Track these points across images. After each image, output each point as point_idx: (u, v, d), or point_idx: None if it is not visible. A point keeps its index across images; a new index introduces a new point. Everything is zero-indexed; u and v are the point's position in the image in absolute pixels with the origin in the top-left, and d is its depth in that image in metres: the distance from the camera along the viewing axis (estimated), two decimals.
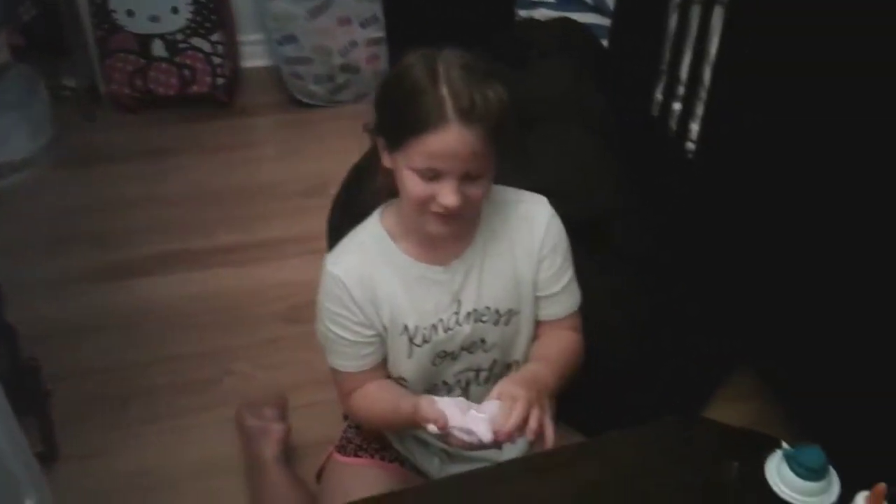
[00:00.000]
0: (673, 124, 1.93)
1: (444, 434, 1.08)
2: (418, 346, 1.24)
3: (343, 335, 1.22)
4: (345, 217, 1.83)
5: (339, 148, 2.52)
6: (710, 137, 1.80)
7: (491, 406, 1.07)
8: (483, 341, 1.27)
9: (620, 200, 1.68)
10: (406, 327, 1.23)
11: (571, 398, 1.44)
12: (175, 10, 2.73)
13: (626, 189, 1.72)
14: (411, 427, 1.19)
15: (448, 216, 1.11)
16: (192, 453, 1.76)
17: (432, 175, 1.07)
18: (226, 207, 2.50)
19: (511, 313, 1.26)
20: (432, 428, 1.07)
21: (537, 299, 1.28)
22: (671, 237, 1.78)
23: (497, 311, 1.25)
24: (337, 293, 1.20)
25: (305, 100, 2.95)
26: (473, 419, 1.06)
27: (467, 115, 1.04)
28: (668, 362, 1.68)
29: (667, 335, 1.70)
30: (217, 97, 2.92)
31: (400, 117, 1.08)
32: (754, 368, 1.85)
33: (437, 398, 1.11)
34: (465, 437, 1.06)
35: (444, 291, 1.23)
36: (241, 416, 1.76)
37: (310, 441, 1.70)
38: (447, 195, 1.07)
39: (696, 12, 1.84)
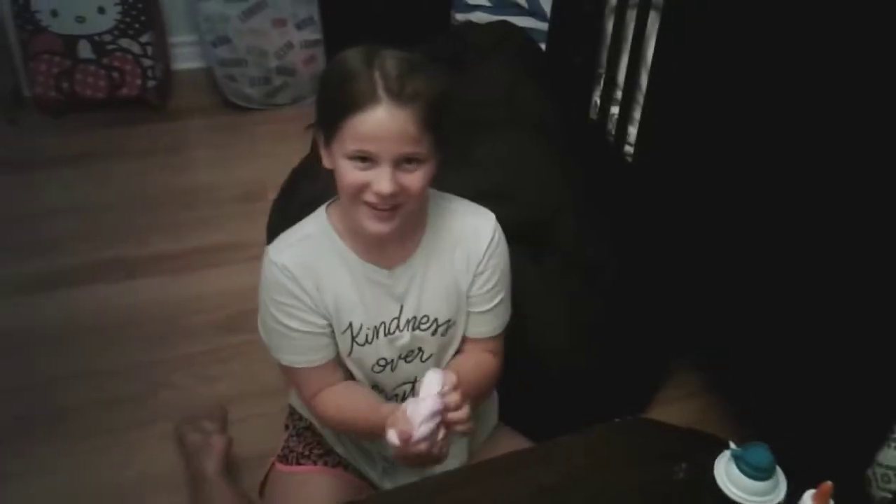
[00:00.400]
0: (612, 128, 1.96)
1: (404, 448, 1.06)
2: (360, 345, 1.23)
3: (295, 326, 1.20)
4: (284, 222, 1.79)
5: (276, 151, 2.51)
6: (647, 141, 1.82)
7: (430, 375, 1.06)
8: (420, 350, 1.26)
9: (564, 202, 1.69)
10: (350, 325, 1.21)
11: (517, 401, 1.45)
12: (102, 11, 2.64)
13: (570, 190, 1.73)
14: (379, 434, 1.15)
15: (384, 211, 1.09)
16: (131, 469, 1.70)
17: (365, 160, 1.06)
18: (158, 213, 2.43)
19: (449, 324, 1.26)
20: (392, 437, 1.05)
21: (467, 314, 1.28)
22: (615, 238, 1.80)
23: (436, 321, 1.25)
24: (283, 282, 1.18)
25: (240, 102, 2.90)
26: (426, 402, 1.04)
27: (397, 95, 1.04)
28: (613, 363, 1.69)
29: (612, 336, 1.71)
30: (148, 100, 2.83)
31: (333, 103, 1.07)
32: (700, 366, 1.88)
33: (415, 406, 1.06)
34: (429, 427, 1.04)
35: (389, 294, 1.22)
36: (181, 430, 1.71)
37: (252, 454, 1.66)
38: (382, 181, 1.05)
39: (632, 17, 1.86)
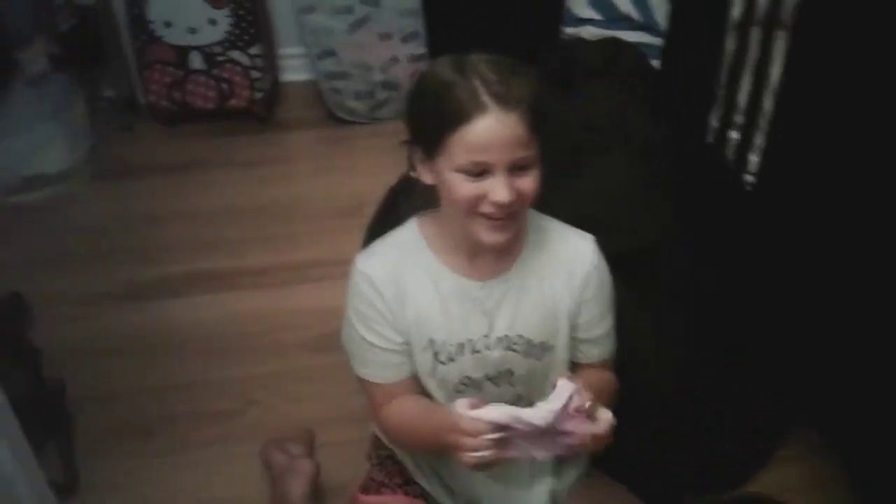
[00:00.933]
0: (730, 154, 1.81)
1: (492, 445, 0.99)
2: (443, 363, 1.17)
3: (371, 340, 1.16)
4: None
5: (377, 166, 2.46)
6: (772, 170, 1.67)
7: (561, 386, 0.99)
8: (510, 373, 1.20)
9: (670, 233, 1.57)
10: (432, 341, 1.16)
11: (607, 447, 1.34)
12: (213, 22, 2.68)
13: (677, 221, 1.60)
14: (443, 447, 1.08)
15: (501, 219, 1.05)
16: (216, 489, 1.68)
17: (480, 171, 1.02)
18: (258, 226, 2.43)
19: (544, 347, 1.19)
20: (461, 404, 1.01)
21: (575, 341, 1.22)
22: (725, 274, 1.66)
23: (530, 342, 1.18)
24: (365, 291, 1.15)
25: (344, 116, 2.88)
26: (527, 412, 0.98)
27: (504, 98, 1.00)
28: (719, 418, 1.55)
29: (714, 384, 1.57)
30: (255, 111, 2.85)
31: (434, 117, 1.03)
32: (811, 426, 1.70)
33: (478, 409, 1.01)
34: (521, 426, 0.97)
35: (478, 310, 1.16)
36: (267, 451, 1.68)
37: (336, 482, 1.61)
38: (498, 190, 1.02)
39: (756, 35, 1.72)
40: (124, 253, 2.32)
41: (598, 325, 1.22)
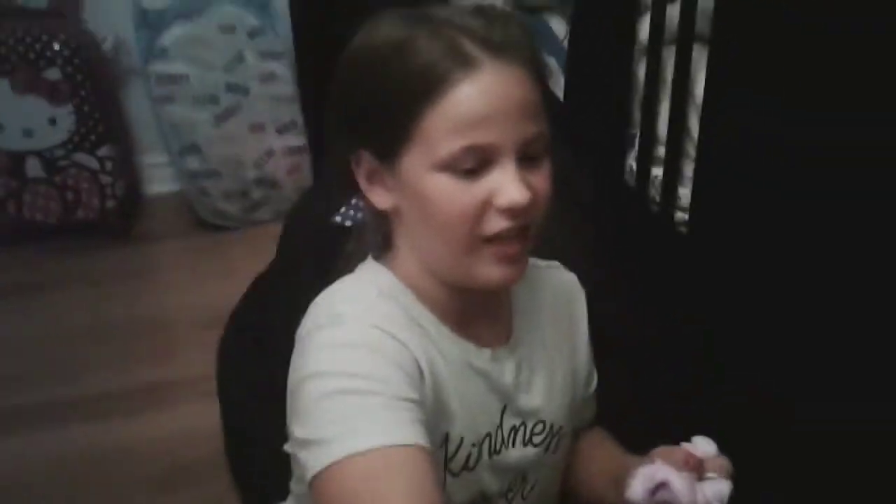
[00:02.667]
0: (655, 194, 1.52)
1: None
2: (454, 473, 0.76)
3: (374, 389, 0.67)
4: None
5: (254, 271, 2.12)
6: (706, 202, 1.38)
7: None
8: (524, 480, 0.83)
9: (595, 276, 1.25)
10: (447, 437, 0.74)
11: None
12: (53, 122, 2.32)
13: (602, 262, 1.30)
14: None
15: (512, 242, 0.71)
16: None
17: (477, 163, 0.68)
18: (102, 347, 2.01)
19: (562, 433, 0.85)
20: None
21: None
22: (658, 321, 1.35)
23: (551, 429, 0.84)
24: (379, 339, 0.70)
25: (216, 221, 2.52)
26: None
27: (500, 46, 0.69)
28: None
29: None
30: (109, 223, 2.46)
31: (391, 94, 0.69)
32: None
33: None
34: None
35: (493, 390, 0.79)
36: None
37: None
38: (508, 188, 0.68)
39: (669, 54, 1.47)
40: None
41: (594, 375, 0.93)
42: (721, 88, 1.32)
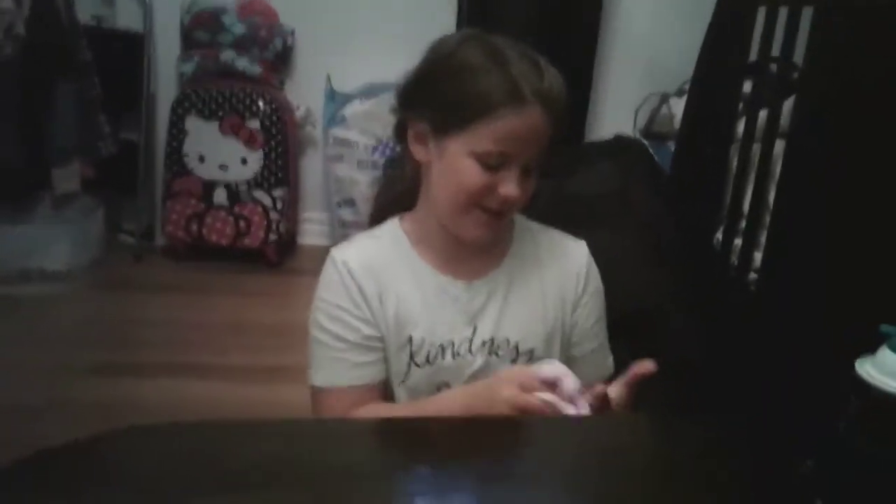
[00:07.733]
0: (735, 259, 1.79)
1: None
2: (418, 366, 1.06)
3: (341, 334, 1.03)
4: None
5: None
6: (775, 266, 1.63)
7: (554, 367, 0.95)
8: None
9: (666, 301, 1.51)
10: (411, 339, 1.05)
11: None
12: (244, 161, 2.82)
13: (675, 295, 1.55)
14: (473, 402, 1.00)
15: (497, 216, 1.01)
16: None
17: (498, 162, 0.98)
18: (239, 338, 2.42)
19: (531, 354, 1.08)
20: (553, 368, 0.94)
21: (570, 359, 1.10)
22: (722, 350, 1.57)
23: (516, 348, 1.08)
24: (339, 280, 1.05)
25: None
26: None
27: (546, 97, 0.98)
28: None
29: None
30: (267, 254, 2.90)
31: (464, 97, 0.99)
32: None
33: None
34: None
35: (462, 311, 1.07)
36: None
37: None
38: (509, 184, 0.99)
39: (756, 149, 1.78)
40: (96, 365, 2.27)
41: (595, 336, 1.14)
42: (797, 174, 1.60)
